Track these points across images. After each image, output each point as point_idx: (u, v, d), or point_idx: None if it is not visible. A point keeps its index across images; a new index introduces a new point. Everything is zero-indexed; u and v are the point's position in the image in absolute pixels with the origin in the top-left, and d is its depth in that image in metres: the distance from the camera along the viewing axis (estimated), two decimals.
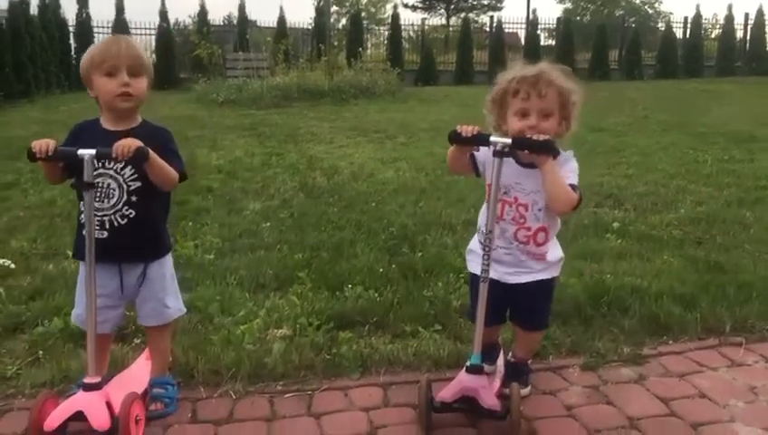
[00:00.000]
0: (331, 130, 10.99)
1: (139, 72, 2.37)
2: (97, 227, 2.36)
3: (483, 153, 2.48)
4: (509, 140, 2.31)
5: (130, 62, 2.35)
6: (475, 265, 2.61)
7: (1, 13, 16.07)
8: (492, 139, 2.33)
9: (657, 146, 8.98)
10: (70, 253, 4.41)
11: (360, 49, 20.54)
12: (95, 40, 21.50)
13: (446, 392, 2.36)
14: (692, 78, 23.84)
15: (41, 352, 2.96)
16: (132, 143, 2.21)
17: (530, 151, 2.32)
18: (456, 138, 2.36)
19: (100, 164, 2.34)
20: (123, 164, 2.35)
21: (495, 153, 2.32)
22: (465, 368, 2.40)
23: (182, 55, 21.77)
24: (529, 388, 2.63)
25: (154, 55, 21.85)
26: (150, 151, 2.26)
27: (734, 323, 3.14)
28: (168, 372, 2.64)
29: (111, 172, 2.38)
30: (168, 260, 2.59)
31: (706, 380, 2.71)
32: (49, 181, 2.52)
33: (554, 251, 2.58)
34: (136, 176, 2.38)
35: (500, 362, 2.73)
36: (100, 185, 2.36)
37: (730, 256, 4.09)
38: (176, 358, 2.83)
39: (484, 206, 2.60)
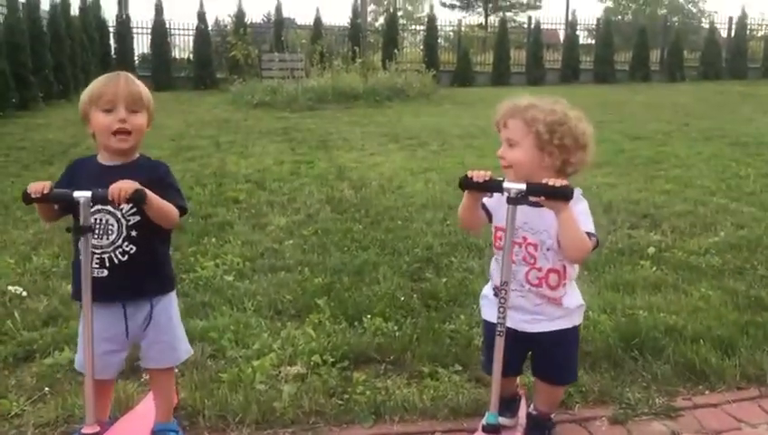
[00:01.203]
0: (362, 136, 10.89)
1: (137, 108, 2.28)
2: (96, 266, 2.26)
3: (492, 198, 2.35)
4: (523, 186, 2.16)
5: (129, 98, 2.27)
6: (488, 312, 2.46)
7: (42, 14, 16.28)
8: (505, 184, 2.18)
9: (697, 157, 8.67)
10: None
11: (396, 50, 20.38)
12: (135, 41, 21.85)
13: None
14: (736, 80, 23.22)
15: (47, 388, 2.89)
16: (129, 186, 2.11)
17: (546, 198, 2.17)
18: (467, 184, 2.22)
19: (97, 204, 2.24)
20: None
21: (509, 200, 2.17)
22: (481, 427, 2.24)
23: (219, 56, 21.90)
24: None
25: (192, 55, 22.08)
26: (148, 192, 2.16)
27: None
28: (172, 418, 2.54)
29: (109, 208, 2.27)
30: (173, 298, 2.48)
31: None
32: (43, 220, 2.43)
33: (572, 297, 2.41)
34: (135, 210, 2.28)
35: (521, 413, 2.58)
36: (97, 222, 2.27)
37: None
38: (182, 400, 2.73)
39: (495, 255, 2.45)
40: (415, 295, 3.84)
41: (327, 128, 11.92)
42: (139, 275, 2.32)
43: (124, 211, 2.28)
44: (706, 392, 2.83)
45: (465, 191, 2.28)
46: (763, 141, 9.99)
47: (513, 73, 23.20)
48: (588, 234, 2.21)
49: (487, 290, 2.52)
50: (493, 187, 2.21)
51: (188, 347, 2.53)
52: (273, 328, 3.51)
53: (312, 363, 3.05)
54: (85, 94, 2.28)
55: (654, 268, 4.26)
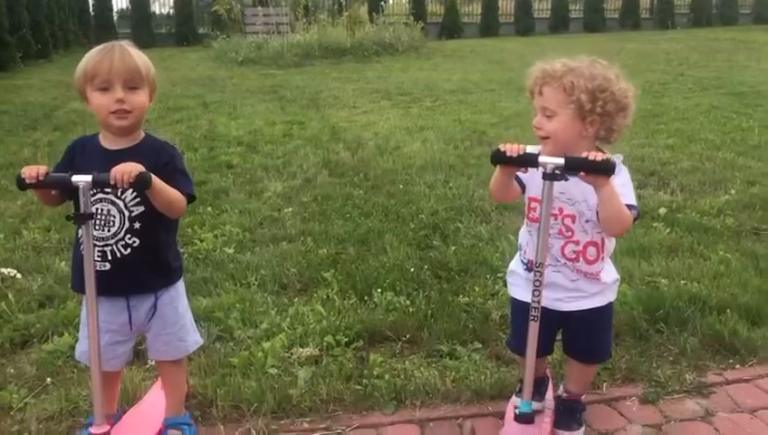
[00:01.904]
0: (353, 93, 10.63)
1: (136, 84, 2.09)
2: (98, 259, 2.10)
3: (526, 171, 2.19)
4: (561, 160, 1.99)
5: (126, 75, 2.06)
6: (518, 291, 2.33)
7: None
8: (541, 159, 2.02)
9: (697, 109, 8.51)
10: None
11: (383, 2, 19.89)
12: None
13: None
14: (727, 26, 22.93)
15: (48, 378, 2.74)
16: (133, 169, 1.94)
17: (586, 173, 2.00)
18: (499, 158, 2.05)
19: (98, 189, 2.07)
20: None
21: (546, 176, 2.01)
22: (513, 416, 2.12)
23: (201, 10, 21.31)
24: (582, 429, 2.36)
25: (172, 10, 21.46)
26: (153, 177, 1.99)
27: None
28: (183, 409, 2.41)
29: (111, 197, 2.11)
30: (180, 287, 2.32)
31: None
32: (44, 204, 2.25)
33: (609, 272, 2.28)
34: (138, 200, 2.11)
35: (549, 396, 2.46)
36: (99, 212, 2.10)
37: None
38: (193, 389, 2.60)
39: (525, 224, 2.30)
40: (425, 266, 3.70)
41: (316, 85, 11.64)
42: (143, 268, 2.17)
43: (127, 201, 2.11)
44: (737, 366, 2.73)
45: (498, 165, 2.11)
46: (761, 91, 9.85)
47: (502, 24, 22.80)
48: (629, 206, 2.06)
49: (516, 265, 2.37)
50: (528, 161, 2.04)
51: (197, 338, 2.38)
52: (280, 305, 3.37)
53: (324, 344, 2.92)
54: (79, 70, 2.09)
55: (668, 230, 4.14)
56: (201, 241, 4.21)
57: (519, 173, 2.20)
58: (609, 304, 2.32)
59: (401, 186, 5.30)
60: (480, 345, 2.91)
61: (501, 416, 2.43)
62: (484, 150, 6.57)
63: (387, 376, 2.67)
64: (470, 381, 2.64)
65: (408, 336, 2.99)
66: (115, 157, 2.05)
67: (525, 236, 2.31)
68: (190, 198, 2.17)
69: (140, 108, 2.11)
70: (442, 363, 2.79)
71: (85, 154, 2.16)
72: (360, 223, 4.46)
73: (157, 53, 17.76)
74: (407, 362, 2.80)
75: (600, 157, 1.95)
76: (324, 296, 3.40)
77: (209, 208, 4.90)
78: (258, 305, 3.34)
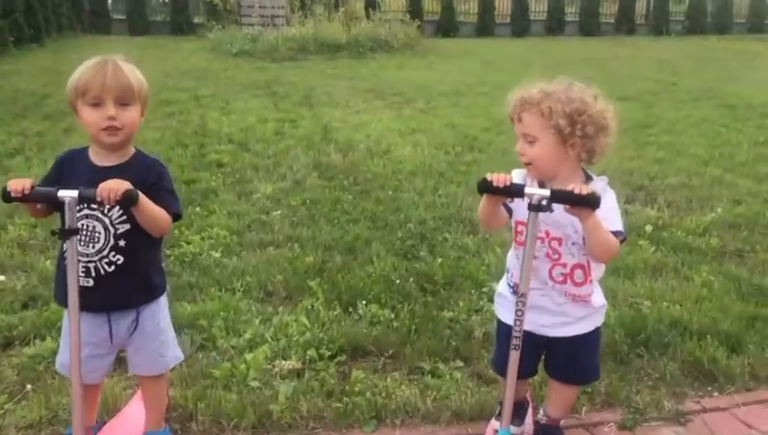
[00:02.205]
0: (347, 91, 10.61)
1: (128, 101, 2.08)
2: (82, 274, 2.08)
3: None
4: (547, 192, 2.01)
5: (118, 92, 2.05)
6: (505, 313, 2.34)
7: None
8: (527, 190, 2.03)
9: (687, 121, 8.57)
10: None
11: None
12: None
13: None
14: (721, 34, 23.04)
15: (29, 385, 2.74)
16: (120, 186, 1.92)
17: (571, 205, 2.02)
18: (487, 188, 2.07)
19: (84, 204, 2.07)
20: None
21: (531, 207, 2.02)
22: None
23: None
24: None
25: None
26: (140, 194, 1.98)
27: None
28: (163, 423, 2.41)
29: (97, 214, 2.10)
30: (163, 303, 2.31)
31: None
32: (32, 216, 2.24)
33: (598, 296, 2.30)
34: (124, 217, 2.10)
35: (528, 420, 2.48)
36: (84, 228, 2.09)
37: None
38: (173, 400, 2.60)
39: (512, 247, 2.32)
40: (410, 278, 3.71)
41: (310, 81, 11.60)
42: (126, 285, 2.16)
43: (113, 218, 2.10)
44: (715, 394, 2.76)
45: (481, 193, 2.13)
46: (751, 104, 9.91)
47: (498, 24, 22.80)
48: (615, 232, 2.08)
49: (503, 287, 2.38)
50: (514, 192, 2.06)
51: (177, 353, 2.37)
52: (265, 313, 3.37)
53: (307, 357, 2.92)
54: (71, 83, 2.08)
55: (653, 249, 4.17)
56: (188, 243, 4.21)
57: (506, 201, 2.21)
58: (597, 329, 2.34)
59: (390, 192, 5.31)
60: (462, 364, 2.93)
61: None
62: (475, 157, 6.60)
63: (368, 393, 2.68)
64: (451, 401, 2.66)
65: (390, 352, 3.00)
66: (104, 173, 2.03)
67: (513, 259, 2.32)
68: (176, 217, 2.16)
69: (131, 125, 2.10)
70: (423, 382, 2.80)
71: (74, 168, 2.15)
72: (347, 230, 4.47)
73: (151, 41, 17.76)
74: (388, 380, 2.81)
75: (585, 190, 1.97)
76: (309, 306, 3.40)
77: (198, 209, 4.90)
78: (243, 314, 3.35)
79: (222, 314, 3.30)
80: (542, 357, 2.41)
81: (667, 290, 3.59)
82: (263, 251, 4.18)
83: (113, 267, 2.12)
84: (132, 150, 2.18)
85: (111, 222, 2.10)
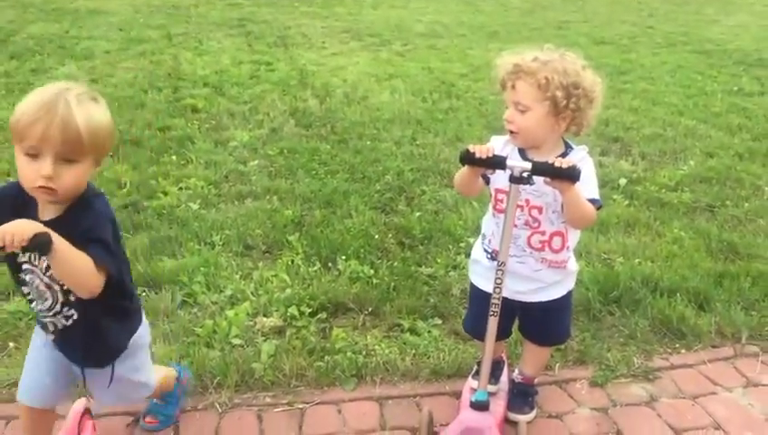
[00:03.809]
0: (323, 32, 10.40)
1: (73, 156, 1.67)
2: (43, 329, 1.91)
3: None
4: (528, 165, 2.03)
5: (62, 146, 1.64)
6: (479, 279, 2.38)
7: None
8: (509, 163, 2.05)
9: (663, 68, 8.57)
10: None
11: None
12: None
13: (450, 432, 2.20)
14: None
15: (11, 343, 2.75)
16: (26, 229, 1.55)
17: (551, 178, 2.04)
18: (469, 159, 2.08)
19: (26, 256, 1.79)
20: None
21: (512, 179, 2.04)
22: (470, 403, 2.22)
23: None
24: (535, 411, 2.48)
25: None
26: (57, 240, 1.60)
27: (751, 330, 2.98)
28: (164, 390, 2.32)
29: (37, 269, 1.80)
30: (140, 338, 2.04)
31: (720, 404, 2.57)
32: None
33: (572, 261, 2.36)
34: None
35: (504, 378, 2.57)
36: (31, 284, 1.82)
37: (744, 234, 3.88)
38: (157, 356, 2.63)
39: (490, 213, 2.34)
40: (389, 233, 3.75)
41: (284, 20, 11.33)
42: (91, 342, 1.90)
43: (42, 269, 1.79)
44: (683, 351, 2.88)
45: (463, 165, 2.14)
46: (727, 49, 9.93)
47: None
48: (591, 200, 2.12)
49: (478, 253, 2.40)
50: (496, 164, 2.07)
51: (152, 386, 2.16)
52: (245, 268, 3.40)
53: (288, 315, 2.97)
54: (13, 118, 1.68)
55: (626, 203, 4.25)
56: (165, 194, 4.19)
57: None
58: (569, 293, 2.40)
59: (368, 142, 5.29)
60: (440, 321, 3.00)
61: (458, 395, 2.53)
62: (453, 104, 6.57)
63: (348, 352, 2.75)
64: (429, 359, 2.74)
65: (370, 309, 3.06)
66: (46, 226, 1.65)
67: (491, 225, 2.34)
68: (108, 275, 1.74)
69: (72, 188, 1.71)
70: (402, 339, 2.87)
71: (21, 215, 1.67)
72: (326, 182, 4.47)
73: None
74: (368, 337, 2.87)
75: (565, 164, 1.99)
76: (289, 262, 3.43)
77: (173, 158, 4.86)
78: (223, 269, 3.37)
79: (202, 269, 3.32)
80: (517, 320, 2.48)
81: (640, 246, 3.68)
82: (241, 203, 4.18)
83: (71, 322, 1.86)
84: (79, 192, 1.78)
85: (51, 277, 1.79)
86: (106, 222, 1.78)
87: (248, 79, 7.28)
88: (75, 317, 1.85)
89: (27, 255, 1.77)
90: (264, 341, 2.79)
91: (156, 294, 3.15)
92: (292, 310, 2.99)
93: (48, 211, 1.76)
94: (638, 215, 4.09)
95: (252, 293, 3.16)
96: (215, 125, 5.68)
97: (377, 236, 3.71)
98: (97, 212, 1.78)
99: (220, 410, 2.47)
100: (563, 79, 2.08)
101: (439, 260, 3.48)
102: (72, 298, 1.82)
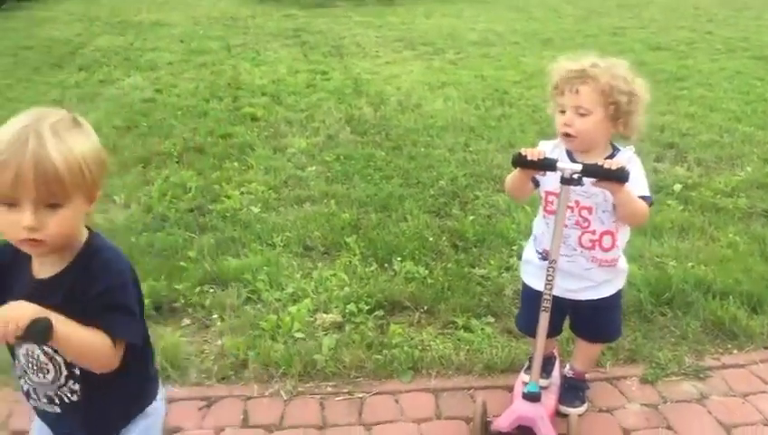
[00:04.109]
0: (376, 41, 10.61)
1: (57, 199, 1.41)
2: (45, 401, 1.62)
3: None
4: (579, 167, 2.13)
5: (39, 188, 1.37)
6: (531, 279, 2.48)
7: None
8: (559, 165, 2.15)
9: (721, 74, 8.46)
10: (117, 198, 4.41)
11: None
12: None
13: (502, 421, 2.30)
14: None
15: None
16: (20, 315, 1.33)
17: (601, 180, 2.13)
18: (520, 162, 2.18)
19: None
20: None
21: (564, 181, 2.14)
22: (521, 395, 2.32)
23: None
24: (585, 405, 2.56)
25: None
26: (58, 324, 1.37)
27: None
28: None
29: None
30: (154, 413, 1.75)
31: None
32: None
33: (622, 260, 2.44)
34: None
35: (556, 373, 2.65)
36: (30, 355, 1.57)
37: None
38: (226, 347, 2.82)
39: (540, 214, 2.43)
40: (443, 236, 3.87)
41: (339, 30, 11.58)
42: (99, 413, 1.63)
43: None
44: (735, 352, 2.91)
45: (515, 167, 2.24)
46: None
47: None
48: (643, 197, 2.20)
49: (530, 254, 2.51)
50: (547, 166, 2.17)
51: None
52: (305, 268, 3.56)
53: (347, 311, 3.11)
54: None
55: (681, 208, 4.26)
56: (228, 198, 4.39)
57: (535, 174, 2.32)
58: (619, 291, 2.47)
59: (422, 148, 5.42)
60: (493, 319, 3.10)
61: (510, 389, 2.62)
62: (505, 111, 6.64)
63: (405, 346, 2.87)
64: (483, 355, 2.84)
65: (425, 307, 3.18)
66: (41, 289, 1.48)
67: (542, 226, 2.43)
68: (128, 347, 1.52)
69: (62, 235, 1.45)
70: (457, 336, 2.98)
71: (13, 274, 1.54)
72: (381, 187, 4.61)
73: None
74: (424, 333, 3.00)
75: (615, 165, 2.08)
76: (347, 262, 3.58)
77: (235, 164, 5.08)
78: (284, 268, 3.54)
79: (265, 268, 3.49)
80: (568, 318, 2.57)
81: (693, 250, 3.70)
82: (300, 207, 4.35)
83: (77, 396, 1.60)
84: (80, 244, 1.53)
85: (53, 349, 1.53)
86: (126, 281, 1.52)
87: (304, 88, 7.50)
88: (81, 392, 1.58)
89: None
90: (325, 335, 2.94)
91: (222, 290, 3.33)
92: (351, 307, 3.13)
93: (45, 266, 1.51)
94: (692, 220, 4.11)
95: (312, 291, 3.31)
96: (273, 133, 5.89)
97: (431, 239, 3.83)
98: (112, 270, 1.50)
99: (285, 398, 2.62)
100: (623, 85, 2.18)
101: (492, 262, 3.57)
102: (77, 371, 1.55)
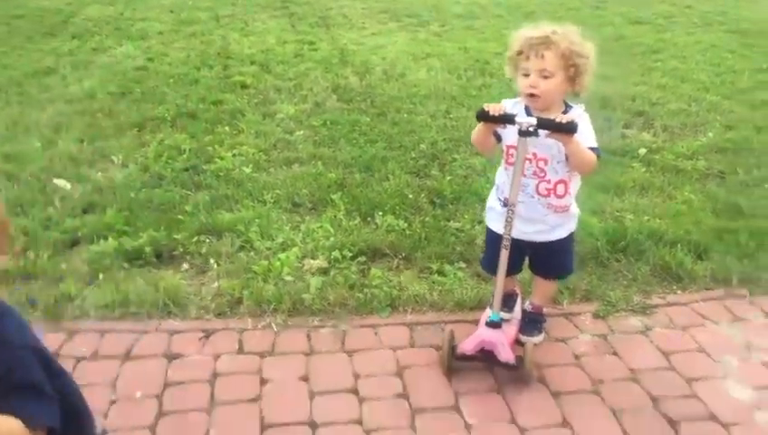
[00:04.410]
0: (362, 13, 10.79)
1: None
2: None
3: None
4: (534, 120, 2.41)
5: None
6: (494, 223, 2.79)
7: None
8: (517, 119, 2.43)
9: (696, 47, 8.75)
10: (114, 158, 4.68)
11: None
12: None
13: (466, 345, 2.62)
14: None
15: (101, 275, 3.26)
16: None
17: (553, 132, 2.42)
18: (483, 116, 2.48)
19: None
20: None
21: (521, 133, 2.43)
22: (484, 323, 2.64)
23: None
24: (542, 335, 2.89)
25: None
26: None
27: (742, 275, 3.34)
28: None
29: None
30: None
31: (707, 334, 2.95)
32: None
33: (574, 206, 2.75)
34: None
35: (517, 308, 2.98)
36: None
37: (750, 196, 4.20)
38: (222, 288, 3.12)
39: (502, 166, 2.73)
40: (422, 194, 4.17)
41: (326, 2, 11.69)
42: None
43: None
44: (679, 292, 3.25)
45: (479, 121, 2.53)
46: (763, 29, 10.01)
47: None
48: (591, 148, 2.49)
49: (492, 201, 2.82)
50: (507, 119, 2.47)
51: None
52: (294, 222, 3.86)
53: (332, 258, 3.42)
54: None
55: (644, 170, 4.59)
56: (221, 159, 4.66)
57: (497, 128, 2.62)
58: (572, 234, 2.79)
59: (405, 114, 5.69)
60: (465, 265, 3.42)
61: (477, 322, 2.94)
62: (486, 81, 6.92)
63: (384, 287, 3.19)
64: (454, 294, 3.16)
65: (403, 255, 3.49)
66: None
67: (503, 176, 2.74)
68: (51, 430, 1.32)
69: None
70: (431, 279, 3.30)
71: None
72: (365, 150, 4.89)
73: None
74: (401, 277, 3.31)
75: (566, 119, 2.38)
76: (332, 216, 3.88)
77: (227, 128, 5.33)
78: (274, 221, 3.83)
79: (257, 221, 3.78)
80: (528, 258, 2.89)
81: (651, 206, 4.04)
82: (289, 168, 4.63)
83: None
84: None
85: None
86: (26, 355, 1.31)
87: (292, 57, 7.73)
88: None
89: None
90: (312, 277, 3.25)
91: (218, 240, 3.63)
92: (336, 254, 3.43)
93: None
94: (653, 180, 4.44)
95: (300, 241, 3.61)
96: (262, 100, 6.14)
97: (411, 196, 4.13)
98: (10, 344, 1.30)
99: (276, 330, 2.94)
100: (580, 48, 2.47)
101: (466, 216, 3.89)
102: None
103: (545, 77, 2.48)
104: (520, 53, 2.53)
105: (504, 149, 2.68)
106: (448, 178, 4.42)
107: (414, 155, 4.81)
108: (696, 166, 4.67)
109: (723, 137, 5.27)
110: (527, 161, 2.57)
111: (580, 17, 10.75)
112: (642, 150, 4.91)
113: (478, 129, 2.59)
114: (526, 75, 2.52)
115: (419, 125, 5.43)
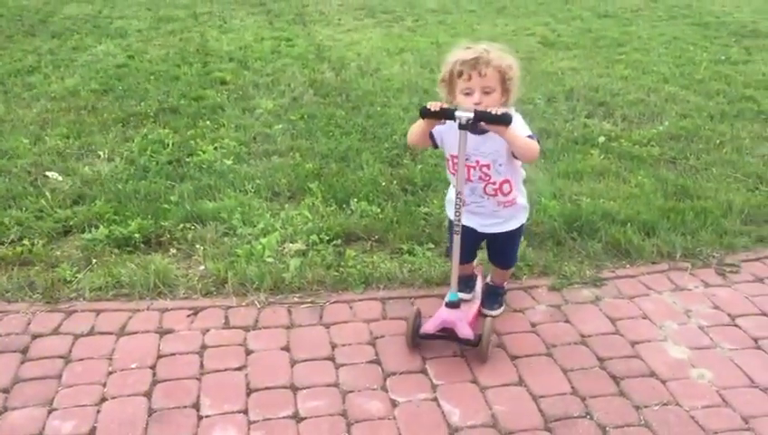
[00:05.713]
0: (338, 10, 11.05)
1: None
2: None
3: (442, 128, 2.82)
4: (471, 114, 2.62)
5: None
6: (452, 214, 3.06)
7: None
8: (457, 113, 2.64)
9: (659, 40, 9.10)
10: (101, 153, 4.90)
11: None
12: None
13: (429, 326, 2.88)
14: None
15: (94, 260, 3.49)
16: None
17: (489, 123, 2.66)
18: (426, 113, 2.70)
19: None
20: None
21: (461, 126, 2.64)
22: (444, 303, 2.90)
23: None
24: (502, 308, 3.18)
25: None
26: None
27: (685, 250, 3.65)
28: None
29: None
30: None
31: (650, 302, 3.26)
32: None
33: (522, 199, 3.02)
34: None
35: (478, 288, 3.26)
36: None
37: (697, 180, 4.52)
38: (208, 270, 3.37)
39: (451, 181, 2.99)
40: (394, 181, 4.44)
41: None
42: None
43: None
44: (627, 266, 3.55)
45: (424, 118, 2.77)
46: (725, 21, 10.41)
47: None
48: (530, 136, 2.75)
49: (450, 194, 3.09)
50: (447, 115, 2.67)
51: None
52: (273, 209, 4.11)
53: (310, 241, 3.68)
54: None
55: (602, 157, 4.89)
56: (203, 152, 4.90)
57: (436, 132, 2.85)
58: (521, 226, 3.08)
59: (379, 108, 5.96)
60: (433, 246, 3.69)
61: (443, 297, 3.22)
62: None
63: (358, 266, 3.46)
64: (422, 272, 3.44)
65: (376, 237, 3.76)
66: None
67: (452, 180, 3.00)
68: None
69: None
70: (402, 259, 3.57)
71: None
72: (341, 141, 5.15)
73: None
74: (374, 257, 3.58)
75: (500, 111, 2.61)
76: (310, 204, 4.13)
77: (208, 123, 5.57)
78: (255, 209, 4.08)
79: (239, 209, 4.03)
80: (486, 250, 3.21)
81: (606, 190, 4.34)
82: (268, 159, 4.88)
83: None
84: None
85: None
86: None
87: (270, 54, 7.97)
88: None
89: None
90: (292, 259, 3.51)
91: (202, 227, 3.87)
92: (314, 238, 3.70)
93: None
94: (609, 166, 4.74)
95: (280, 226, 3.87)
96: (242, 95, 6.37)
97: (384, 184, 4.40)
98: None
99: (259, 307, 3.19)
100: (513, 64, 2.74)
101: (435, 202, 4.16)
102: None
103: (486, 93, 2.71)
104: (461, 74, 2.71)
105: (449, 158, 2.91)
106: (419, 166, 4.69)
107: (387, 145, 5.08)
108: (651, 152, 4.98)
109: (677, 125, 5.59)
110: (472, 169, 2.82)
111: (549, 11, 11.10)
112: (602, 139, 5.22)
113: (419, 125, 2.81)
114: (468, 94, 2.72)
115: (392, 117, 5.69)
